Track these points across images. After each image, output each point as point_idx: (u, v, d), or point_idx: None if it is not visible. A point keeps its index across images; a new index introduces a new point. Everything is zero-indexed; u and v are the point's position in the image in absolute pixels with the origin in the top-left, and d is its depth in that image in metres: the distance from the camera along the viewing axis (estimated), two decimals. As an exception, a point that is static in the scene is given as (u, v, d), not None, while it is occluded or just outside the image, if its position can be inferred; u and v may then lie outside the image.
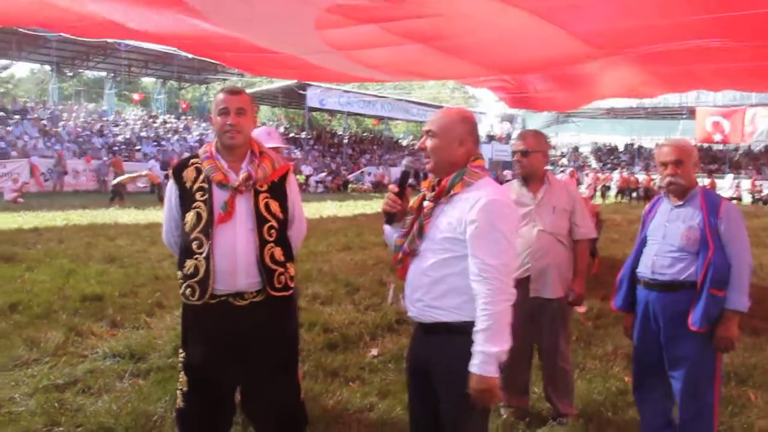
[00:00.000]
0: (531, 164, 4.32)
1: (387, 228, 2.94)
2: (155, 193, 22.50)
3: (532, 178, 4.36)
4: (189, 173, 3.12)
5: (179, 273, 3.11)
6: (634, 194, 36.59)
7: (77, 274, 8.73)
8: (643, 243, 3.90)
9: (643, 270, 3.83)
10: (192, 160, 3.18)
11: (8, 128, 30.06)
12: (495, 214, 2.53)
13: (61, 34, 31.63)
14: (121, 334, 6.07)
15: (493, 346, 2.47)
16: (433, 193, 2.72)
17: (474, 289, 2.52)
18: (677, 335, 3.69)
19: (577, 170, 41.92)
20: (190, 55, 39.28)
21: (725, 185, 38.97)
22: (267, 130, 4.43)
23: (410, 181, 2.94)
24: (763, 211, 29.19)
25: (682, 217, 3.70)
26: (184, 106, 46.31)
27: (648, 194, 32.99)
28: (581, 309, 6.80)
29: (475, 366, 2.48)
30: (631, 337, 4.11)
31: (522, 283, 4.26)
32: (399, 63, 8.35)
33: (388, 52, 7.51)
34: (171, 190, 3.19)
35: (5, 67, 43.64)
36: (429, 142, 2.74)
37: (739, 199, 36.12)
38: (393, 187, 2.85)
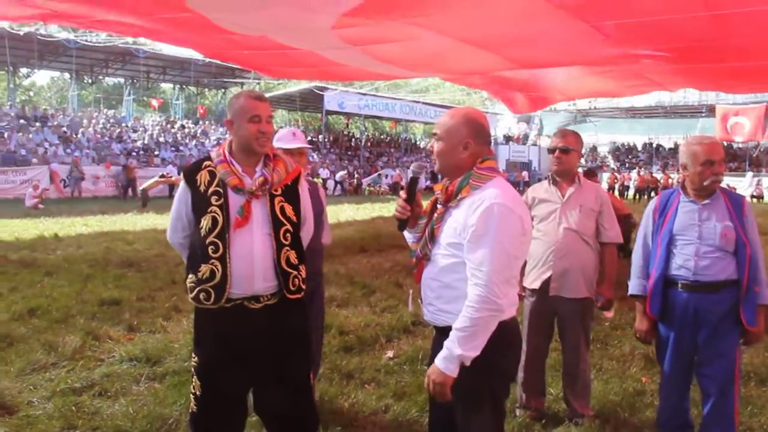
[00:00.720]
0: (570, 162, 4.30)
1: (407, 234, 2.93)
2: (173, 197, 22.65)
3: (564, 177, 4.34)
4: (203, 177, 3.09)
5: (191, 277, 3.09)
6: (653, 194, 36.27)
7: (95, 278, 8.81)
8: (670, 243, 3.77)
9: (682, 272, 3.71)
10: (205, 163, 3.14)
11: (29, 135, 30.40)
12: (494, 219, 2.48)
13: (80, 42, 32.15)
14: (138, 338, 6.10)
15: (459, 349, 2.46)
16: (444, 197, 2.71)
17: (467, 291, 2.51)
18: (718, 335, 3.66)
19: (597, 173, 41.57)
20: (207, 60, 39.69)
21: (745, 183, 38.58)
22: (292, 130, 4.42)
23: (427, 183, 2.92)
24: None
25: (715, 216, 3.65)
26: (201, 111, 46.54)
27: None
28: (608, 314, 6.72)
29: (439, 358, 2.52)
30: (648, 343, 4.05)
31: (543, 286, 4.26)
32: (414, 57, 8.39)
33: (402, 47, 7.57)
34: (183, 192, 3.16)
35: None
36: (436, 145, 2.73)
37: (760, 197, 35.71)
38: (402, 194, 2.84)
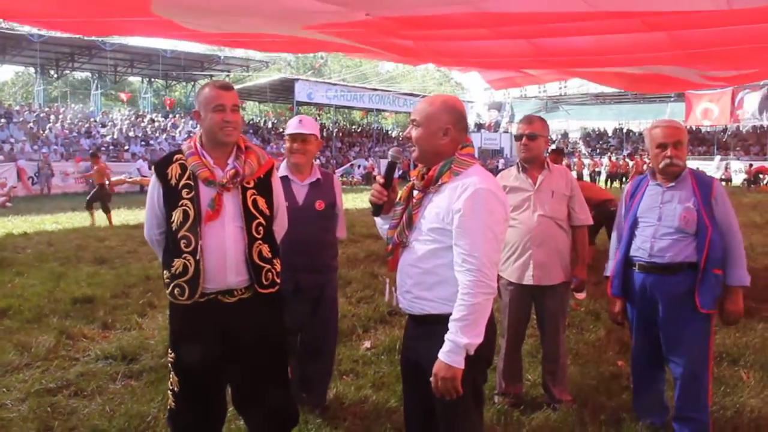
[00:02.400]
0: (538, 148, 4.32)
1: (378, 220, 2.92)
2: (145, 193, 22.33)
3: (533, 163, 4.35)
4: (174, 170, 3.06)
5: (165, 272, 3.09)
6: (624, 179, 36.64)
7: (68, 277, 8.68)
8: (634, 225, 3.88)
9: (639, 253, 3.81)
10: (176, 156, 3.11)
11: (-6, 132, 29.83)
12: (480, 204, 2.50)
13: (44, 35, 31.58)
14: (113, 335, 6.04)
15: (464, 338, 2.45)
16: (422, 183, 2.70)
17: (457, 278, 2.51)
18: (677, 317, 3.71)
19: (566, 156, 41.95)
20: (175, 52, 39.26)
21: (713, 167, 39.15)
22: (299, 117, 4.27)
23: (398, 172, 2.91)
24: (754, 193, 29.41)
25: (677, 199, 3.70)
26: (168, 102, 46.02)
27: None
28: (581, 296, 6.82)
29: (443, 353, 2.48)
30: (619, 323, 4.12)
31: (520, 272, 4.28)
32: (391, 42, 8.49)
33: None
34: (154, 186, 3.12)
35: None
36: (414, 132, 2.71)
37: (728, 180, 36.27)
38: (379, 178, 2.83)
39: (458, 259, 2.50)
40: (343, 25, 6.06)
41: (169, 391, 3.22)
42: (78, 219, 16.39)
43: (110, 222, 15.15)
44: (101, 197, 15.31)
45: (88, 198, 15.87)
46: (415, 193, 2.73)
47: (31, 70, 45.27)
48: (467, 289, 2.46)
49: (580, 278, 4.45)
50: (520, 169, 4.39)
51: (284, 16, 5.89)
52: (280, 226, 3.36)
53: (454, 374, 2.47)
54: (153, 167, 3.20)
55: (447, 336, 2.48)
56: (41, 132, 31.99)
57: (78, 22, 6.78)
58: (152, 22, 6.31)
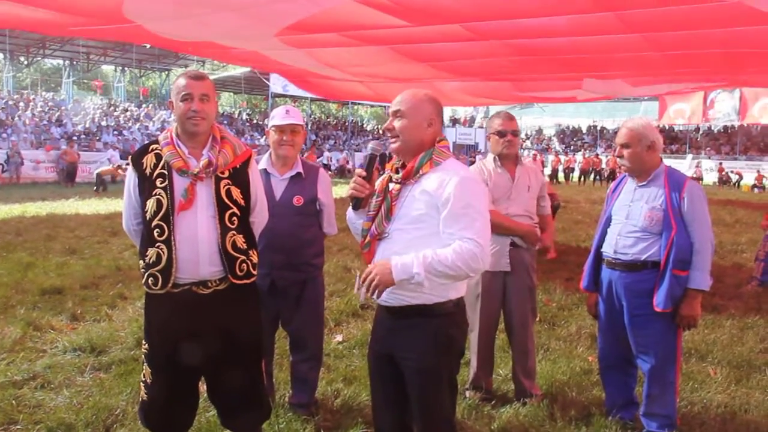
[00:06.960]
0: (519, 144, 4.47)
1: (350, 213, 2.90)
2: (119, 183, 22.02)
3: (512, 159, 4.39)
4: (149, 159, 3.06)
5: (141, 262, 3.07)
6: (597, 176, 36.99)
7: (36, 267, 8.53)
8: (608, 222, 3.94)
9: (607, 249, 3.88)
10: (152, 147, 3.11)
11: (-38, 120, 29.22)
12: (469, 192, 2.55)
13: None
14: (82, 327, 5.94)
15: (422, 269, 2.45)
16: (400, 175, 2.70)
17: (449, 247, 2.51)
18: (641, 315, 3.73)
19: (540, 153, 42.22)
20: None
21: (684, 166, 39.69)
22: (286, 108, 4.13)
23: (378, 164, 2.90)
24: (723, 191, 29.87)
25: (646, 198, 3.73)
26: (143, 91, 45.52)
27: (612, 175, 33.36)
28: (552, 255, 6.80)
29: (397, 259, 2.50)
30: (595, 316, 4.16)
31: (495, 259, 4.30)
32: (358, 62, 8.71)
33: (346, 52, 7.84)
34: (130, 176, 3.12)
35: None
36: (398, 123, 2.71)
37: (699, 179, 36.80)
38: (360, 172, 2.81)
39: (450, 240, 2.52)
40: (316, 25, 6.05)
41: (141, 383, 3.20)
42: (47, 208, 16.11)
43: None
44: None
45: None
46: (393, 185, 2.74)
47: (0, 56, 44.45)
48: (462, 252, 2.46)
49: (544, 242, 4.52)
50: (498, 163, 4.40)
51: (258, 11, 5.87)
52: (260, 218, 3.33)
53: (386, 281, 2.46)
54: (129, 158, 3.19)
55: (415, 253, 2.49)
56: (10, 119, 31.40)
57: (52, 24, 6.79)
58: (125, 29, 6.37)
